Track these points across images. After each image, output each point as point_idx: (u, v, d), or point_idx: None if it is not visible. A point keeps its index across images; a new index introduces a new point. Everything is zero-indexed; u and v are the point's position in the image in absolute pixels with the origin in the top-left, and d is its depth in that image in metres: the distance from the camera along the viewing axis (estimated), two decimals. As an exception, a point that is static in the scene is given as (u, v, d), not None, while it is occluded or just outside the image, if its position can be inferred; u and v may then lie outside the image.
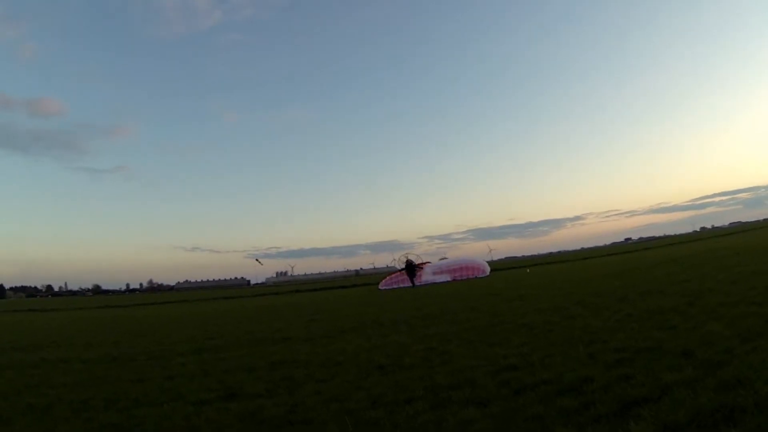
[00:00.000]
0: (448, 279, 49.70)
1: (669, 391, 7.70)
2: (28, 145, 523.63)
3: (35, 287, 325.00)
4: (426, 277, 33.07)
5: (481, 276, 58.13)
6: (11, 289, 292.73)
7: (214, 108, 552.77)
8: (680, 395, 7.37)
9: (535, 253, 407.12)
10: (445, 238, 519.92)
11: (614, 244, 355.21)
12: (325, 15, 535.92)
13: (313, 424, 8.16)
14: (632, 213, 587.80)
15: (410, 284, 51.35)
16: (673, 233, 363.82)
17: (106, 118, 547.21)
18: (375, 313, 28.09)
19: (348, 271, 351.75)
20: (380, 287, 54.35)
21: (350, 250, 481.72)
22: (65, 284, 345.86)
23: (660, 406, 6.99)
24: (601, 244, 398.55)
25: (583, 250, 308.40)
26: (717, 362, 8.93)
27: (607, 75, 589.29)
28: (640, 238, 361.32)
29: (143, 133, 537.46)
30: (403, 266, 48.72)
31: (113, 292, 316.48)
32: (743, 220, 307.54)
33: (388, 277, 55.69)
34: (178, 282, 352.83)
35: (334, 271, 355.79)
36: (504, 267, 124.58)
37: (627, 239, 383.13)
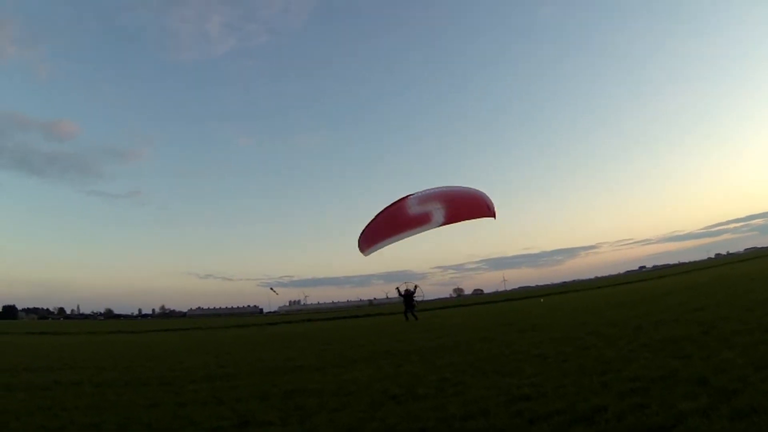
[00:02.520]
0: (441, 217, 30.36)
1: (684, 419, 7.74)
2: (44, 168, 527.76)
3: (47, 309, 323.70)
4: (412, 209, 25.22)
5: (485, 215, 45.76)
6: (23, 310, 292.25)
7: (228, 133, 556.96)
8: (695, 423, 7.43)
9: (549, 282, 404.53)
10: (458, 268, 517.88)
11: (628, 273, 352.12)
12: (338, 41, 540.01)
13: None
14: (646, 241, 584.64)
15: (408, 310, 47.94)
16: (687, 260, 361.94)
17: (120, 141, 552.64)
18: (387, 343, 28.00)
19: (361, 300, 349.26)
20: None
21: (363, 280, 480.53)
22: (77, 307, 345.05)
23: None
24: (615, 272, 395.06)
25: (597, 279, 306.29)
26: (731, 390, 8.96)
27: (620, 102, 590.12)
28: (655, 266, 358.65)
29: (157, 158, 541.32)
30: (403, 293, 46.47)
31: (125, 316, 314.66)
32: (759, 245, 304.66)
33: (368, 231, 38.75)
34: (191, 308, 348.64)
35: (348, 301, 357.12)
36: (518, 297, 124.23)
37: (641, 267, 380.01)
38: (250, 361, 23.74)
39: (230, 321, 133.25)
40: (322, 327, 60.16)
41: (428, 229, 26.12)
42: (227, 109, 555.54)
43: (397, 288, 46.91)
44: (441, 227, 25.61)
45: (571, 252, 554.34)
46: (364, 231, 27.61)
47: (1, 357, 32.70)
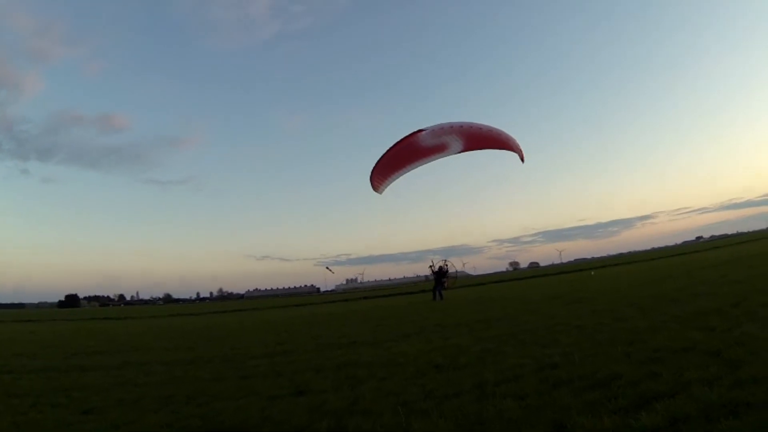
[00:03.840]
0: (459, 146, 26.82)
1: (688, 387, 8.39)
2: (99, 160, 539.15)
3: (108, 296, 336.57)
4: (425, 141, 22.13)
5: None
6: (85, 298, 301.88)
7: (278, 115, 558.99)
8: (697, 391, 8.04)
9: (604, 254, 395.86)
10: (514, 241, 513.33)
11: (685, 243, 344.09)
12: (383, 20, 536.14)
13: (371, 415, 9.23)
14: (703, 210, 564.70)
15: (437, 288, 47.06)
16: (746, 230, 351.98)
17: (172, 130, 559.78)
18: (439, 318, 28.99)
19: (418, 276, 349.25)
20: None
21: (420, 256, 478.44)
22: (137, 293, 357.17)
23: (675, 401, 7.67)
24: (671, 243, 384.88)
25: (653, 250, 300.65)
26: (740, 361, 9.52)
27: (675, 68, 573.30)
28: (712, 236, 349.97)
29: (209, 143, 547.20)
30: (436, 271, 44.77)
31: (184, 300, 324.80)
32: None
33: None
34: (248, 290, 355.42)
35: (404, 277, 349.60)
36: (572, 270, 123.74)
37: (698, 238, 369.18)
38: (306, 339, 25.05)
39: (287, 301, 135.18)
40: (377, 304, 61.36)
41: (444, 157, 25.34)
42: (275, 91, 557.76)
43: (430, 266, 45.27)
44: (462, 153, 24.79)
45: (626, 223, 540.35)
46: (374, 167, 25.91)
47: (71, 341, 34.39)
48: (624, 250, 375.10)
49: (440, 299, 45.20)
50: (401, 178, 26.35)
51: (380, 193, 26.70)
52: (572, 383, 9.87)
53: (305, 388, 12.59)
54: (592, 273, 73.93)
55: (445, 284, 45.86)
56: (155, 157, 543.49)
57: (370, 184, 26.45)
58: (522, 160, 24.10)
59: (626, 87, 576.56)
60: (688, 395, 8.00)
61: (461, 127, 23.52)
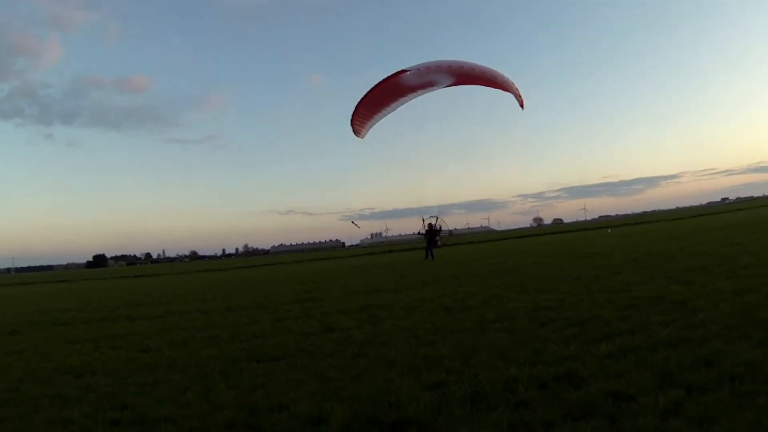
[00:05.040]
0: (448, 82, 23.45)
1: (647, 327, 9.98)
2: (120, 122, 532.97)
3: (134, 255, 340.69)
4: (410, 81, 21.10)
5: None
6: (112, 258, 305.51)
7: (300, 71, 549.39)
8: (653, 330, 9.63)
9: (629, 212, 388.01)
10: (538, 196, 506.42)
11: (710, 204, 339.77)
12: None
13: (387, 344, 11.02)
14: (730, 172, 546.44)
15: (429, 247, 44.16)
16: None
17: (193, 89, 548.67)
18: (456, 269, 30.80)
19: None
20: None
21: (443, 210, 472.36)
22: (163, 251, 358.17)
23: (633, 337, 9.25)
24: (696, 203, 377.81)
25: (678, 209, 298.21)
26: (699, 309, 11.11)
27: (699, 21, 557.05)
28: (738, 198, 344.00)
29: (231, 102, 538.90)
30: (427, 229, 40.41)
31: (210, 257, 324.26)
32: None
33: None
34: (274, 246, 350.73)
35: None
36: (593, 227, 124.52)
37: (724, 199, 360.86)
38: (333, 287, 26.64)
39: (313, 255, 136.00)
40: (400, 257, 62.78)
41: (431, 92, 22.68)
42: (297, 47, 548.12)
43: (419, 231, 40.88)
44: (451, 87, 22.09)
45: (651, 181, 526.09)
46: (354, 110, 23.57)
47: (111, 296, 35.81)
48: (648, 209, 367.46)
49: (431, 258, 43.52)
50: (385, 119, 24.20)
51: (362, 137, 25.20)
52: (557, 322, 11.55)
53: (333, 326, 14.31)
54: (609, 231, 75.08)
55: (438, 243, 43.56)
56: (177, 117, 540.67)
57: (351, 128, 24.63)
58: (522, 105, 21.76)
59: (658, 43, 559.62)
60: (645, 332, 9.57)
61: (450, 66, 21.23)
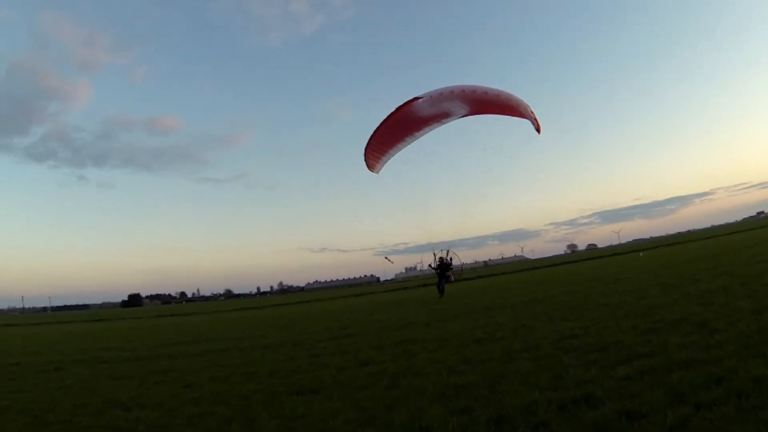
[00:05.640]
0: (463, 111, 22.31)
1: (666, 349, 10.34)
2: (151, 162, 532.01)
3: (169, 294, 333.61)
4: (423, 111, 20.82)
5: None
6: (147, 297, 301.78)
7: (327, 108, 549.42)
8: (671, 352, 9.97)
9: (662, 233, 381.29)
10: (571, 223, 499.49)
11: (746, 219, 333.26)
12: (428, 5, 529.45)
13: (420, 376, 11.51)
14: (764, 185, 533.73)
15: (441, 282, 40.94)
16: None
17: (222, 128, 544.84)
18: (489, 300, 31.22)
19: (477, 262, 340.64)
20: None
21: (478, 242, 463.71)
22: (197, 290, 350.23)
23: (651, 359, 9.64)
24: (731, 220, 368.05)
25: (712, 227, 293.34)
26: (718, 330, 11.40)
27: (733, 38, 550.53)
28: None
29: (260, 140, 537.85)
30: (438, 264, 38.15)
31: (245, 295, 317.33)
32: None
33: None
34: (308, 282, 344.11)
35: (463, 264, 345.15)
36: (626, 251, 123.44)
37: (760, 213, 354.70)
38: (367, 323, 27.13)
39: (348, 291, 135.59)
40: (434, 291, 63.30)
41: (446, 123, 21.84)
42: (323, 85, 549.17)
43: (430, 264, 38.71)
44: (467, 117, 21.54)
45: (684, 200, 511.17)
46: (368, 143, 22.64)
47: (147, 336, 35.76)
48: (682, 229, 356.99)
49: (441, 295, 41.01)
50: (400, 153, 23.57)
51: (377, 172, 24.17)
52: (581, 349, 11.93)
53: (368, 360, 14.83)
54: (641, 255, 74.54)
55: (450, 278, 40.01)
56: (207, 156, 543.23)
57: (364, 162, 23.70)
58: (538, 130, 20.66)
59: (682, 59, 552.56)
60: (663, 355, 9.91)
61: (463, 91, 20.01)
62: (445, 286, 40.88)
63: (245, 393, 12.09)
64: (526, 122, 20.54)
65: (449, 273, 39.03)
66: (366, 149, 22.91)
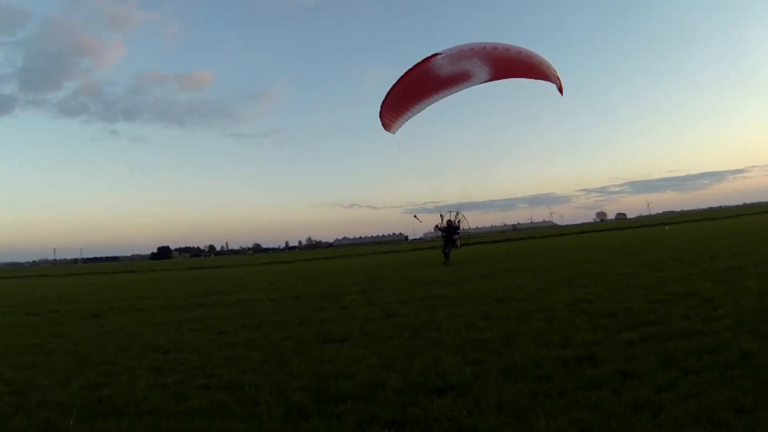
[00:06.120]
0: (485, 74, 20.36)
1: (670, 320, 10.91)
2: (184, 117, 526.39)
3: (198, 248, 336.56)
4: (443, 69, 19.45)
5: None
6: (176, 250, 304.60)
7: (358, 66, 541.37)
8: (674, 323, 10.54)
9: (693, 207, 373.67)
10: (601, 191, 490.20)
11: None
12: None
13: (440, 329, 12.22)
14: None
15: (447, 247, 37.39)
16: None
17: (254, 84, 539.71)
18: (513, 263, 32.04)
19: (505, 225, 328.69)
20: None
21: (508, 204, 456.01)
22: (226, 244, 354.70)
23: (655, 327, 10.24)
24: (765, 199, 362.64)
25: (744, 205, 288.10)
26: (722, 305, 11.89)
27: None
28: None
29: (292, 96, 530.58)
30: (445, 226, 35.21)
31: (273, 250, 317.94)
32: None
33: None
34: (337, 239, 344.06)
35: (492, 225, 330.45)
36: (655, 223, 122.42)
37: None
38: (394, 278, 27.92)
39: (376, 249, 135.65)
40: (461, 251, 63.92)
41: (467, 87, 20.40)
42: (356, 42, 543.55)
43: (437, 225, 35.59)
44: (486, 83, 20.33)
45: (717, 176, 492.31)
46: (384, 101, 21.16)
47: (180, 287, 36.48)
48: (714, 205, 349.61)
49: (446, 260, 37.33)
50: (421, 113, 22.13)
51: (393, 132, 22.82)
52: (592, 313, 12.59)
53: (393, 313, 15.62)
54: (667, 228, 74.25)
55: (456, 243, 36.89)
56: (239, 112, 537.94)
57: (380, 120, 22.36)
58: (561, 91, 19.57)
59: (724, 32, 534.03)
60: (666, 324, 10.50)
61: (484, 48, 18.85)
62: (451, 251, 37.46)
63: (277, 340, 12.78)
64: (550, 84, 19.81)
65: (456, 237, 36.50)
66: (382, 107, 21.87)
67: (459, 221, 34.88)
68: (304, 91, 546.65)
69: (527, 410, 6.56)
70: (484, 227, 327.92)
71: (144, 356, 12.06)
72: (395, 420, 6.60)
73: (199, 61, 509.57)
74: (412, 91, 20.77)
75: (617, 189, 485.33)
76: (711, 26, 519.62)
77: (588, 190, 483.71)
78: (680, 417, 5.98)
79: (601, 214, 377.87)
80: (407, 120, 22.36)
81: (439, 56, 19.12)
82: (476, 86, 20.76)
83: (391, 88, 20.79)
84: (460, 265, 34.74)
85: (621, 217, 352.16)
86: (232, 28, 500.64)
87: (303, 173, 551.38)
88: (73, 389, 9.30)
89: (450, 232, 35.56)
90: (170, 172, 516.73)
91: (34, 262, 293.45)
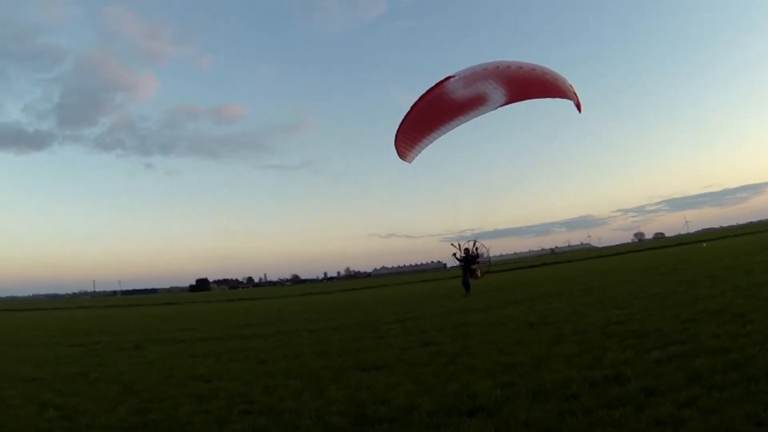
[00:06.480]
0: (501, 96, 19.82)
1: (698, 338, 10.93)
2: (217, 150, 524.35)
3: (236, 279, 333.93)
4: (457, 92, 18.89)
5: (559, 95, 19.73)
6: (215, 281, 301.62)
7: (391, 94, 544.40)
8: (704, 340, 10.56)
9: (733, 222, 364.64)
10: (639, 210, 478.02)
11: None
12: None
13: (474, 355, 12.46)
14: None
15: (465, 277, 34.53)
16: None
17: (287, 115, 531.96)
18: (547, 288, 32.10)
19: (543, 250, 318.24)
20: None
21: (544, 228, 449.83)
22: (264, 275, 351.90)
23: (683, 346, 10.31)
24: None
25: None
26: (752, 321, 11.87)
27: None
28: None
29: (325, 127, 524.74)
30: (463, 256, 32.75)
31: (311, 281, 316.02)
32: None
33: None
34: (375, 268, 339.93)
35: (529, 251, 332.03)
36: (693, 240, 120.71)
37: None
38: (431, 308, 27.82)
39: (414, 277, 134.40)
40: (497, 278, 62.88)
41: (484, 113, 19.71)
42: (386, 71, 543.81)
43: (454, 253, 32.60)
44: (504, 107, 19.67)
45: (756, 188, 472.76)
46: (399, 129, 20.50)
47: (219, 319, 36.68)
48: (754, 219, 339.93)
49: (466, 292, 34.42)
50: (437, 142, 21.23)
51: (409, 162, 21.78)
52: (623, 335, 12.59)
53: (429, 341, 15.77)
54: (704, 245, 73.30)
55: (476, 272, 33.99)
56: (272, 144, 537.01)
57: (396, 150, 21.47)
58: (579, 109, 18.67)
59: (754, 38, 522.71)
60: (695, 342, 10.51)
61: (497, 68, 18.30)
62: (469, 281, 34.47)
63: (315, 369, 13.05)
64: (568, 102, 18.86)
65: (474, 266, 33.73)
66: (397, 135, 20.92)
67: (477, 249, 32.47)
68: (337, 121, 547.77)
69: (553, 428, 6.76)
70: (521, 252, 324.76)
71: (186, 384, 12.46)
72: (427, 440, 6.84)
73: (232, 93, 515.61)
74: (427, 117, 20.10)
75: (654, 208, 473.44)
76: (743, 33, 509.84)
77: (625, 211, 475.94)
78: (700, 431, 6.09)
79: (639, 235, 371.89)
80: (423, 148, 21.60)
81: (452, 79, 18.50)
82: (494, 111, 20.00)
83: (406, 116, 20.06)
84: (491, 292, 34.91)
85: (659, 236, 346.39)
86: (263, 59, 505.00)
87: (339, 204, 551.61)
88: (120, 414, 9.78)
89: (468, 261, 33.31)
90: (206, 205, 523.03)
91: (73, 294, 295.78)
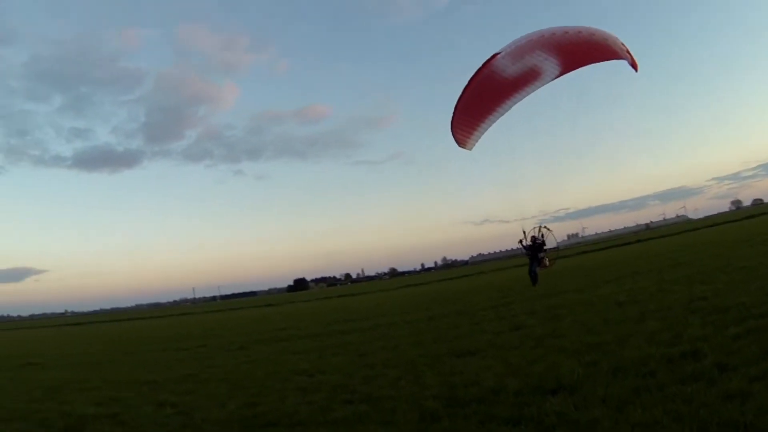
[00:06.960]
0: (555, 67, 17.78)
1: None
2: (305, 150, 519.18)
3: (334, 276, 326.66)
4: (507, 70, 17.33)
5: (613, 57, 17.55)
6: (312, 280, 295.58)
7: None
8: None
9: None
10: (733, 177, 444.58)
11: None
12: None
13: (562, 336, 12.95)
14: None
15: (533, 266, 31.48)
16: None
17: (370, 110, 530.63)
18: (638, 264, 31.89)
19: (638, 225, 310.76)
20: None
21: (638, 203, 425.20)
22: (362, 270, 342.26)
23: (763, 320, 10.46)
24: None
25: None
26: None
27: None
28: None
29: (410, 118, 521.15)
30: (529, 244, 29.21)
31: (409, 272, 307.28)
32: None
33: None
34: (471, 256, 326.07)
35: (624, 227, 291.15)
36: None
37: None
38: (525, 293, 28.06)
39: (511, 262, 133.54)
40: (591, 257, 61.71)
41: (540, 86, 18.22)
42: (466, 56, 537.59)
43: (520, 240, 28.44)
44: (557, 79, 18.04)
45: None
46: (453, 117, 19.33)
47: (318, 317, 37.27)
48: None
49: (534, 282, 31.62)
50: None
51: (469, 149, 20.24)
52: (705, 310, 12.80)
53: (521, 325, 16.30)
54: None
55: (544, 261, 30.88)
56: (359, 139, 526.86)
57: (453, 138, 20.12)
58: (635, 67, 16.98)
59: None
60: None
61: (542, 36, 16.91)
62: (536, 271, 31.55)
63: (412, 357, 13.62)
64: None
65: (542, 255, 30.48)
66: (452, 122, 19.55)
67: (543, 236, 29.02)
68: (421, 111, 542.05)
69: (627, 403, 7.22)
70: (616, 229, 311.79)
71: (290, 379, 13.11)
72: (512, 418, 7.52)
73: (313, 94, 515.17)
74: (480, 100, 18.62)
75: (750, 173, 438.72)
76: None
77: (720, 179, 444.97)
78: (766, 404, 6.36)
79: (736, 202, 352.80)
80: (482, 133, 19.85)
81: (499, 56, 17.07)
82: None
83: (458, 101, 18.59)
84: (584, 272, 35.16)
85: (758, 203, 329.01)
86: (340, 58, 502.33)
87: (430, 193, 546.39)
88: (231, 408, 10.55)
89: (535, 249, 29.94)
90: (299, 205, 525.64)
91: (174, 301, 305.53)
